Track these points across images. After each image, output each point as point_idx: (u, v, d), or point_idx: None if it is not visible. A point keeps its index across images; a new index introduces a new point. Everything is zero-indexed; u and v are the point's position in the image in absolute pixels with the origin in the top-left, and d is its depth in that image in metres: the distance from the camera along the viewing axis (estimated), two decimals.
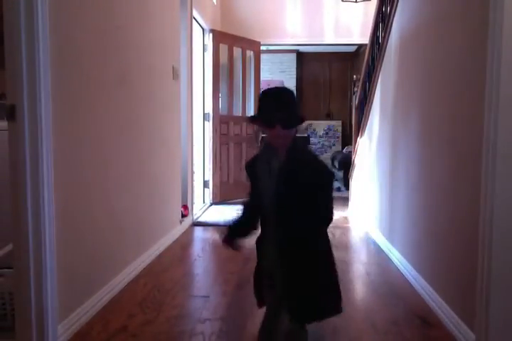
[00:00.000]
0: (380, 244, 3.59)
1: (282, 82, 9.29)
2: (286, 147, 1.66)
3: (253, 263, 1.82)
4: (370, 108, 4.33)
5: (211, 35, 5.26)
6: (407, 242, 2.92)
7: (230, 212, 4.36)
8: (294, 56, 9.41)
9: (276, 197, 1.64)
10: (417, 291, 2.54)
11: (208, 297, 2.47)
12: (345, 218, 4.81)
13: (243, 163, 4.99)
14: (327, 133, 9.85)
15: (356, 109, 5.19)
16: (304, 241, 1.65)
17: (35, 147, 1.75)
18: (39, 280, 1.79)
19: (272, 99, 1.67)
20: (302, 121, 1.69)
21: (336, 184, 7.42)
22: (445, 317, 2.13)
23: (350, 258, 3.41)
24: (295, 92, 9.51)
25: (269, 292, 1.76)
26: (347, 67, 9.51)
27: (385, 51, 3.75)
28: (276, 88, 1.75)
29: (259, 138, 5.45)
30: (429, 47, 2.58)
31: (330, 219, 1.69)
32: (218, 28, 5.71)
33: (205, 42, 5.28)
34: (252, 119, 1.71)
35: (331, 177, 1.74)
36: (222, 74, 5.50)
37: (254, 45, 5.86)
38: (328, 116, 9.85)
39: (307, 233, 1.66)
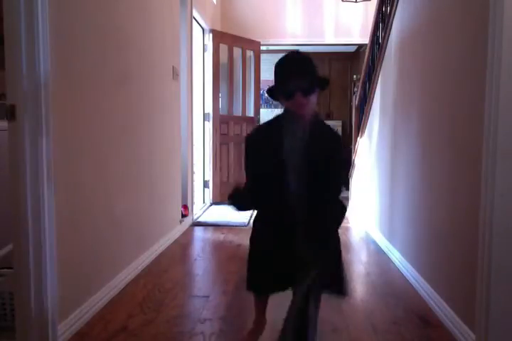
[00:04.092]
0: (380, 244, 3.59)
1: None
2: (310, 117, 1.58)
3: None
4: (370, 108, 4.33)
5: (211, 35, 5.26)
6: (407, 242, 2.92)
7: (230, 212, 4.37)
8: None
9: (309, 165, 1.56)
10: (417, 291, 2.54)
11: (208, 297, 2.47)
12: (345, 218, 4.80)
13: (243, 163, 4.97)
14: None
15: (356, 109, 5.19)
16: (329, 209, 1.65)
17: (35, 147, 1.75)
18: (39, 280, 1.79)
19: (287, 67, 1.55)
20: (326, 83, 1.57)
21: None
22: (445, 317, 2.13)
23: (350, 258, 3.41)
24: None
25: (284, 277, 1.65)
26: (347, 67, 9.50)
27: (385, 51, 3.75)
28: (289, 54, 1.61)
29: None
30: (429, 47, 2.58)
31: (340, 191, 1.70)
32: (218, 28, 5.71)
33: (205, 42, 5.28)
34: (269, 92, 1.59)
35: (350, 152, 1.82)
36: (222, 74, 5.49)
37: (254, 45, 5.86)
38: (328, 116, 9.85)
39: (333, 201, 1.66)
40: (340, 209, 1.73)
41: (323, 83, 1.57)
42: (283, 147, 1.59)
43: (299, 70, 1.53)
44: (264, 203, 1.69)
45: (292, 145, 1.59)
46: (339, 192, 1.72)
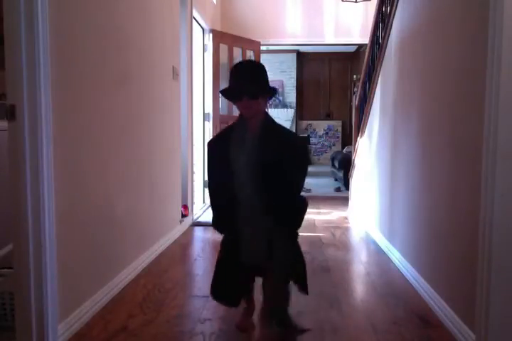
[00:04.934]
0: (380, 244, 3.59)
1: (282, 82, 9.30)
2: (259, 120, 1.68)
3: None
4: (370, 108, 4.33)
5: (211, 35, 5.26)
6: (407, 242, 2.92)
7: None
8: (294, 56, 9.41)
9: (257, 165, 1.65)
10: (417, 291, 2.54)
11: (208, 297, 2.46)
12: (345, 218, 4.81)
13: None
14: (327, 133, 9.86)
15: (356, 109, 5.19)
16: (287, 207, 1.72)
17: (35, 147, 1.75)
18: (39, 280, 1.79)
19: (238, 72, 1.71)
20: (271, 92, 1.71)
21: (336, 184, 7.42)
22: (445, 317, 2.13)
23: (351, 258, 3.41)
24: (294, 91, 9.60)
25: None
26: (347, 67, 9.52)
27: (385, 51, 3.75)
28: (243, 61, 1.83)
29: None
30: (430, 47, 2.58)
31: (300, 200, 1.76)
32: (218, 28, 5.71)
33: (205, 42, 5.28)
34: (221, 93, 1.76)
35: (305, 148, 1.89)
36: (222, 74, 5.49)
37: (254, 45, 5.86)
38: (328, 116, 9.86)
39: (290, 199, 1.72)
40: (298, 208, 1.79)
41: (270, 91, 1.71)
42: (229, 153, 1.71)
43: (248, 76, 1.69)
44: (219, 211, 1.84)
45: (239, 149, 1.69)
46: (297, 191, 1.77)
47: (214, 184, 1.81)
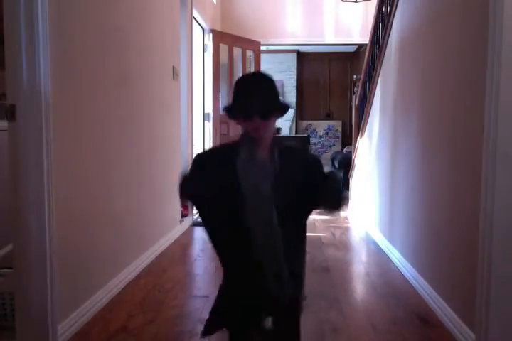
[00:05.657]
0: (380, 244, 3.59)
1: (282, 82, 9.29)
2: (270, 141, 1.42)
3: None
4: (370, 108, 4.33)
5: (211, 35, 5.26)
6: (407, 242, 2.92)
7: None
8: (294, 56, 9.40)
9: (279, 201, 1.34)
10: (417, 291, 2.54)
11: (208, 297, 2.46)
12: (345, 218, 4.81)
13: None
14: (327, 133, 9.86)
15: (356, 109, 5.19)
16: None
17: (35, 147, 1.75)
18: (39, 280, 1.79)
19: (247, 87, 1.42)
20: (285, 109, 1.44)
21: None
22: (445, 317, 2.13)
23: (350, 258, 3.41)
24: (294, 91, 9.60)
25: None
26: (347, 67, 9.50)
27: (385, 51, 3.75)
28: (251, 74, 1.53)
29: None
30: (430, 47, 2.58)
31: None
32: (218, 28, 5.71)
33: (205, 42, 5.28)
34: (226, 111, 1.44)
35: (320, 163, 1.50)
36: (222, 74, 5.49)
37: (254, 45, 5.86)
38: (328, 116, 9.85)
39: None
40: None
41: (283, 108, 1.45)
42: (236, 172, 1.39)
43: (260, 92, 1.41)
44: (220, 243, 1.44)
45: (250, 171, 1.40)
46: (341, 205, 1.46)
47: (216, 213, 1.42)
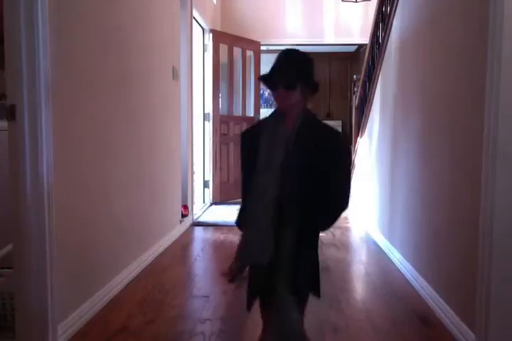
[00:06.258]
0: (380, 244, 3.59)
1: None
2: (297, 114, 1.52)
3: None
4: (370, 108, 4.33)
5: (211, 35, 5.26)
6: (407, 242, 2.92)
7: (230, 212, 4.36)
8: None
9: (287, 169, 1.47)
10: (417, 291, 2.53)
11: (208, 297, 2.47)
12: (345, 218, 4.81)
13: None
14: None
15: (356, 109, 5.19)
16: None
17: (35, 147, 1.75)
18: (39, 280, 1.79)
19: (279, 59, 1.55)
20: (316, 86, 1.55)
21: None
22: (445, 317, 2.13)
23: (350, 258, 3.41)
24: None
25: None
26: (347, 67, 9.50)
27: (385, 51, 3.75)
28: (288, 49, 1.61)
29: None
30: (429, 47, 2.58)
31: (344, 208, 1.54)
32: (218, 28, 5.71)
33: (205, 42, 5.28)
34: (260, 79, 1.59)
35: (349, 150, 1.61)
36: (222, 74, 5.49)
37: (254, 45, 5.86)
38: (328, 116, 9.85)
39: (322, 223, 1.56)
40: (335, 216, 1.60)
41: (312, 84, 1.56)
42: (259, 145, 1.52)
43: (287, 64, 1.54)
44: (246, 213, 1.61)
45: (271, 142, 1.52)
46: (347, 202, 1.56)
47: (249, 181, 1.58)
